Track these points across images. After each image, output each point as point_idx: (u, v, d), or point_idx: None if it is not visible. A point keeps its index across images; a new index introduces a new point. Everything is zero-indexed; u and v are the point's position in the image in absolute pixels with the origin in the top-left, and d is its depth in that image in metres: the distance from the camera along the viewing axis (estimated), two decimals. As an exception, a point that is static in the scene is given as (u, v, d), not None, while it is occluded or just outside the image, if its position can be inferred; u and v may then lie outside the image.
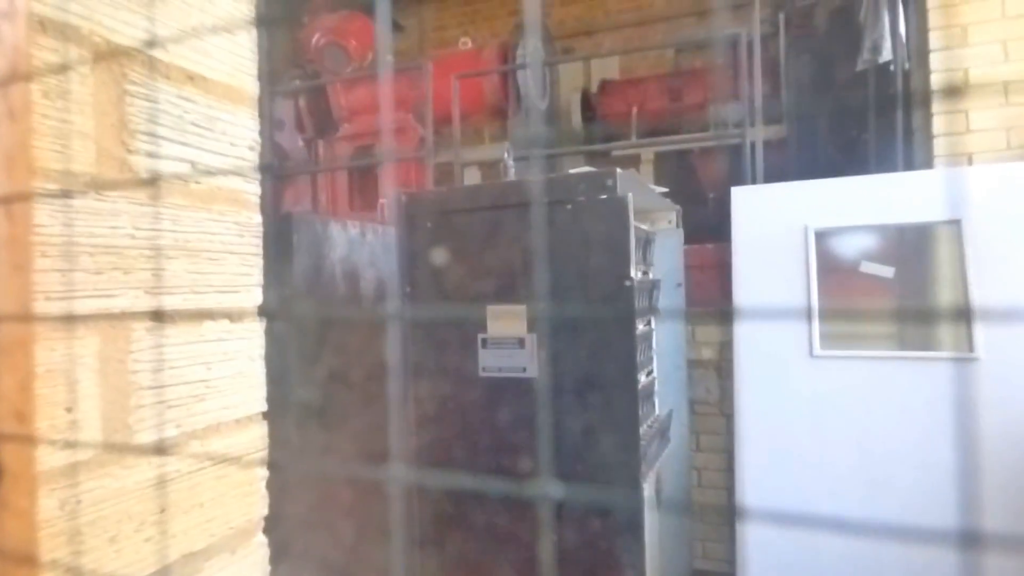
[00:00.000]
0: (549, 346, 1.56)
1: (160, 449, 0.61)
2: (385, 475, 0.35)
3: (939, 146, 2.27)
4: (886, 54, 2.44)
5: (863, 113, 2.85)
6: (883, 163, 2.61)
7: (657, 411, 1.98)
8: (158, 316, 0.60)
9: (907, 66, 2.43)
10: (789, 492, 2.03)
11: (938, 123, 2.27)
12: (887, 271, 2.17)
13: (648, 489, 1.70)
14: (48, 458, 0.51)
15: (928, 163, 2.32)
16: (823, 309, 2.11)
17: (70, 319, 0.52)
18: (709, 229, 2.53)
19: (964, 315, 1.97)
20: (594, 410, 1.54)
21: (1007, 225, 1.95)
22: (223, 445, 0.69)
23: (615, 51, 5.13)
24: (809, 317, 2.10)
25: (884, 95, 2.59)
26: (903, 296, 2.22)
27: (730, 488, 2.19)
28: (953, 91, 2.07)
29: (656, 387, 2.01)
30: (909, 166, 2.44)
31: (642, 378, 1.69)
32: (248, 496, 0.73)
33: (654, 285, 1.95)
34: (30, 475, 0.50)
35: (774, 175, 2.58)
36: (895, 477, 1.92)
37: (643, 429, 1.61)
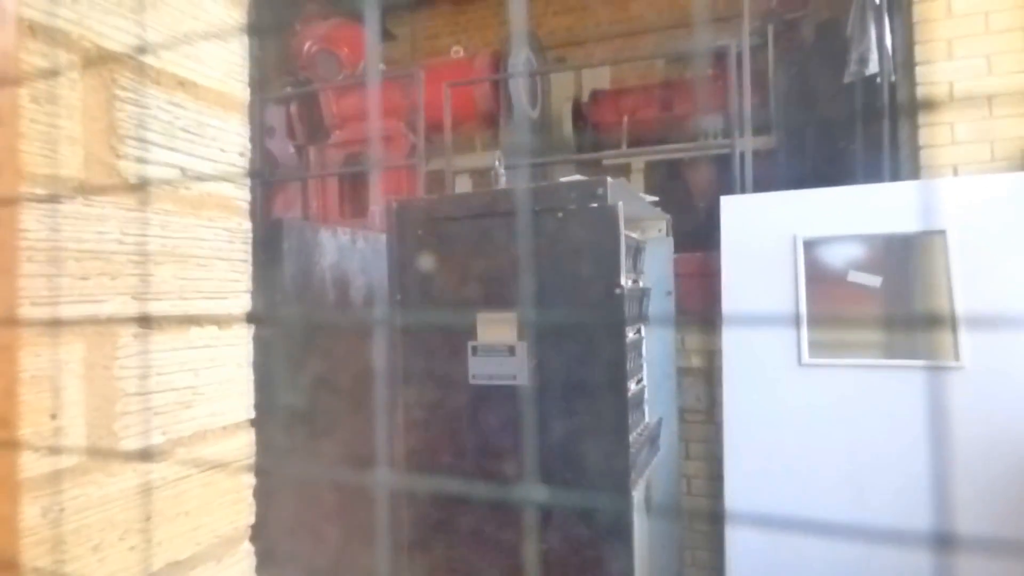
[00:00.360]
0: (539, 354, 1.56)
1: (146, 456, 0.60)
2: (371, 480, 0.34)
3: (925, 157, 2.31)
4: (872, 67, 2.48)
5: (850, 125, 2.89)
6: (870, 174, 2.65)
7: (647, 419, 1.99)
8: (145, 322, 0.60)
9: (893, 79, 2.47)
10: (777, 500, 2.04)
11: (924, 135, 2.31)
12: (874, 280, 2.19)
13: (638, 497, 1.71)
14: (32, 465, 0.50)
15: (914, 174, 2.36)
16: (811, 315, 2.13)
17: (56, 324, 0.52)
18: (699, 238, 2.55)
19: (949, 323, 1.99)
20: (584, 418, 1.54)
21: (991, 235, 1.98)
22: (210, 452, 0.69)
23: (606, 61, 5.18)
24: (797, 325, 2.11)
25: (871, 107, 2.64)
26: (890, 305, 2.24)
27: (719, 496, 2.20)
28: (928, 104, 2.11)
29: (646, 395, 2.01)
30: (896, 177, 2.48)
31: (632, 386, 1.69)
32: (235, 504, 0.72)
33: (644, 293, 1.96)
34: (13, 482, 0.49)
35: (763, 185, 2.61)
36: (882, 485, 1.94)
37: (633, 437, 1.61)
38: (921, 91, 2.29)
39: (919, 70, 2.31)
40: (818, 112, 3.26)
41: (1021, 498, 1.81)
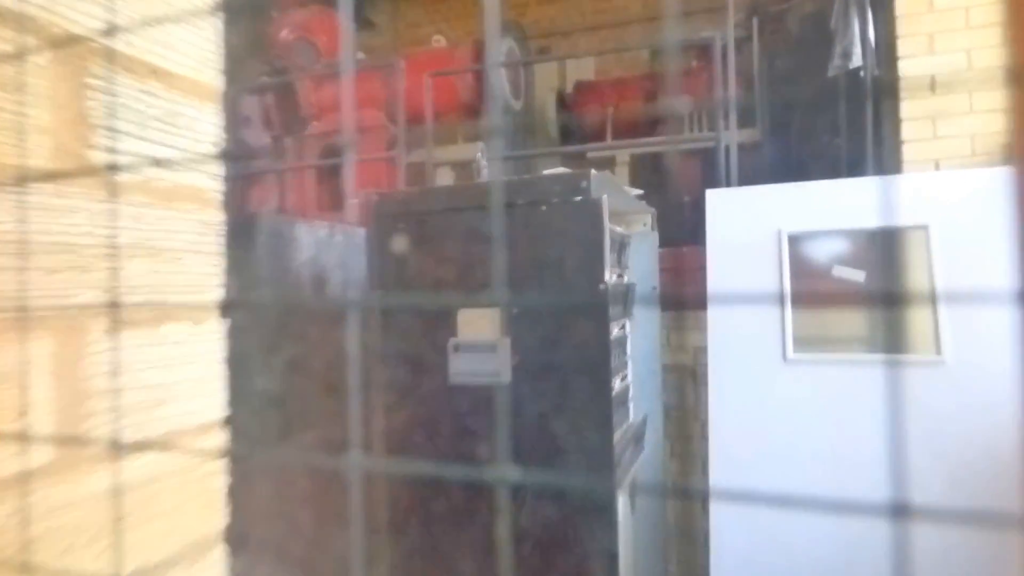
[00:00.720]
0: (521, 351, 1.57)
1: (116, 456, 0.60)
2: (343, 464, 0.35)
3: (907, 152, 2.36)
4: (856, 60, 2.53)
5: (835, 118, 2.95)
6: (854, 168, 2.71)
7: (632, 417, 2.01)
8: (116, 317, 0.60)
9: (876, 73, 2.53)
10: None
11: (906, 129, 2.37)
12: (858, 275, 2.24)
13: (623, 496, 1.73)
14: (-2, 464, 0.50)
15: (897, 168, 2.41)
16: (796, 308, 2.17)
17: (24, 319, 0.51)
18: (684, 232, 2.58)
19: (932, 317, 2.04)
20: (567, 416, 1.56)
21: (973, 230, 2.04)
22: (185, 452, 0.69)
23: (590, 52, 5.20)
24: (782, 319, 2.15)
25: (855, 101, 2.69)
26: (873, 301, 2.29)
27: (704, 499, 2.23)
28: (909, 98, 2.16)
29: (631, 393, 2.03)
30: (879, 171, 2.53)
31: (616, 383, 1.71)
32: (208, 506, 0.72)
33: (629, 288, 1.98)
34: (-21, 482, 0.49)
35: (748, 178, 2.64)
36: (868, 480, 1.98)
37: (617, 435, 1.63)
38: (903, 85, 2.35)
39: (901, 64, 2.36)
40: (803, 105, 3.31)
41: (1000, 489, 1.87)
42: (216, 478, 0.74)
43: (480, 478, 0.27)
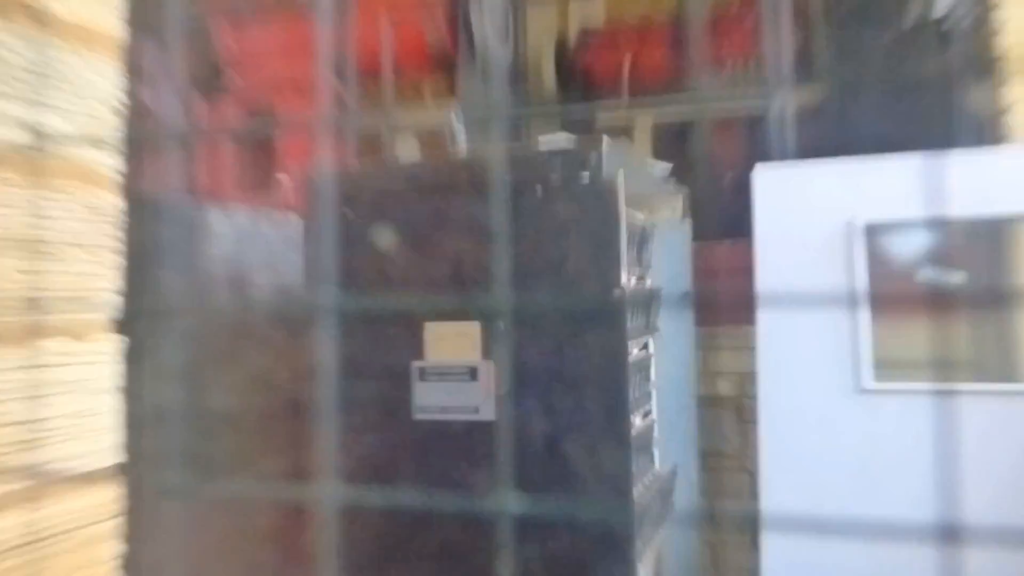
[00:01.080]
0: (511, 377, 1.58)
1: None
2: (314, 495, 0.36)
3: (1012, 120, 2.40)
4: (941, 9, 2.57)
5: (917, 76, 2.99)
6: (941, 139, 2.75)
7: (657, 466, 2.03)
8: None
9: (967, 24, 2.56)
10: (833, 573, 2.09)
11: (1008, 94, 2.39)
12: (952, 278, 2.26)
13: (645, 572, 1.74)
14: None
15: (997, 140, 2.45)
16: (874, 316, 2.17)
17: None
18: (725, 221, 2.61)
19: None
20: (571, 465, 1.57)
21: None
22: (61, 511, 0.69)
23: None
24: (857, 337, 2.17)
25: (938, 58, 2.73)
26: (976, 312, 2.31)
27: (754, 570, 2.25)
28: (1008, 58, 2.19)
29: (656, 434, 2.05)
30: (975, 143, 2.57)
31: (637, 421, 1.73)
32: (95, 582, 0.73)
33: (653, 295, 2.00)
34: None
35: (807, 151, 2.67)
36: (970, 553, 2.00)
37: (638, 490, 1.64)
38: (1002, 40, 2.38)
39: (999, 14, 2.40)
40: (876, 61, 3.36)
41: None
42: (104, 545, 0.74)
43: (479, 510, 0.29)
